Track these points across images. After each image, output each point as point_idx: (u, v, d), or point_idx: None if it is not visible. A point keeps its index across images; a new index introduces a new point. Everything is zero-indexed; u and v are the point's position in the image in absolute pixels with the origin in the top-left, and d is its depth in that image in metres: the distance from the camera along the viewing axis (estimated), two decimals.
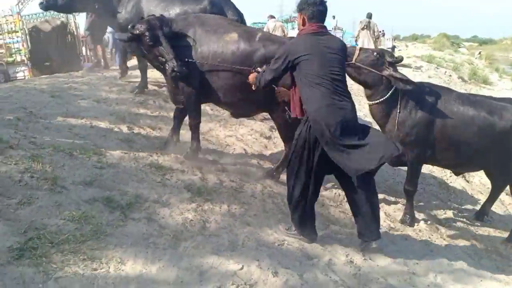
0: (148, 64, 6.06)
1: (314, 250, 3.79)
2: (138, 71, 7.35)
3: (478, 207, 5.96)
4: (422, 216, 5.36)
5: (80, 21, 12.67)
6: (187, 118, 5.40)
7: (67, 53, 11.04)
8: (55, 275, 2.68)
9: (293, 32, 15.27)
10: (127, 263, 2.99)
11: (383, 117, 4.89)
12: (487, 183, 6.15)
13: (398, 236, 4.54)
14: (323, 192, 5.30)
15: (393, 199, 5.66)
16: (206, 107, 6.53)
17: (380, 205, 5.33)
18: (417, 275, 3.82)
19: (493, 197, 5.59)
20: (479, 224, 5.51)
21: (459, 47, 36.59)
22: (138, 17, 6.49)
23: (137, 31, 4.77)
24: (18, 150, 4.08)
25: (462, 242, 4.92)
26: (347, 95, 3.75)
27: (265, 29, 14.18)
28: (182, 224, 3.73)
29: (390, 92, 4.67)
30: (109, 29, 10.06)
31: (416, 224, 5.02)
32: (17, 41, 11.72)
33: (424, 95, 4.80)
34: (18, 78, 11.15)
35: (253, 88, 4.25)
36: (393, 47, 24.13)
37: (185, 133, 5.65)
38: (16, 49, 11.71)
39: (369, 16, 15.01)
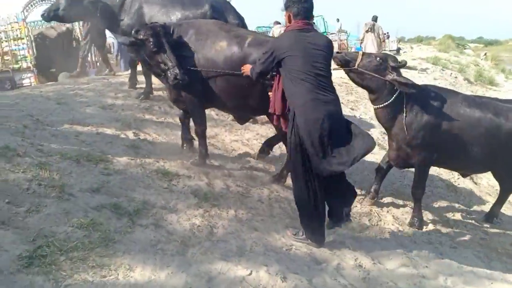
0: None
1: (322, 255, 3.77)
2: (143, 77, 7.36)
3: (486, 209, 5.91)
4: (431, 219, 5.33)
5: None
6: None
7: (72, 59, 11.05)
8: (65, 283, 2.69)
9: None
10: (136, 270, 3.00)
11: (388, 121, 4.88)
12: (496, 184, 6.11)
13: (407, 239, 4.52)
14: None
15: (401, 202, 5.63)
16: (211, 112, 6.54)
17: (388, 208, 5.34)
18: (427, 279, 3.80)
19: (502, 199, 5.56)
20: (488, 226, 5.47)
21: (465, 49, 36.40)
22: (140, 22, 6.54)
23: (141, 36, 4.75)
24: (25, 158, 4.09)
25: (471, 245, 4.89)
26: (332, 90, 3.83)
27: (270, 35, 14.22)
28: (189, 230, 3.73)
29: (394, 96, 4.65)
30: (108, 34, 10.10)
31: (424, 227, 5.00)
32: (23, 48, 11.75)
33: (430, 98, 4.78)
34: (24, 84, 11.17)
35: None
36: (398, 49, 24.07)
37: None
38: (22, 56, 11.74)
39: (374, 19, 14.98)
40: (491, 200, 6.27)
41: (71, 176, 4.06)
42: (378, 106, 4.80)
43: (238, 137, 6.56)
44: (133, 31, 4.86)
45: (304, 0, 3.85)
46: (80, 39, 12.37)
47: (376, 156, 6.81)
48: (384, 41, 15.51)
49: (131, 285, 2.84)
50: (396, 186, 6.15)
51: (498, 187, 5.74)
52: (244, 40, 4.77)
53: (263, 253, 3.55)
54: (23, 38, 11.68)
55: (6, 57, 11.82)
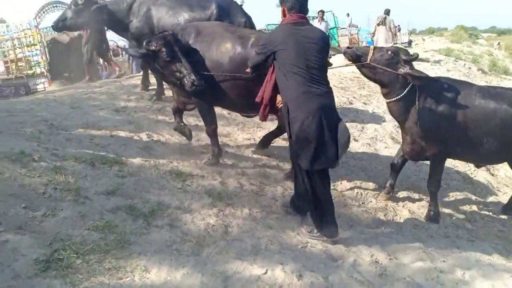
0: None
1: (338, 251, 3.75)
2: (154, 78, 7.39)
3: (504, 201, 5.83)
4: (447, 212, 5.27)
5: None
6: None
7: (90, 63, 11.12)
8: (82, 286, 2.71)
9: None
10: (152, 271, 3.01)
11: (401, 115, 4.83)
12: None
13: (423, 234, 4.47)
14: (345, 192, 5.27)
15: (416, 196, 5.57)
16: (223, 111, 6.53)
17: (404, 202, 5.30)
18: (445, 273, 3.76)
19: None
20: (506, 218, 5.39)
21: (477, 39, 35.88)
22: (148, 24, 6.57)
23: (154, 47, 4.68)
24: (40, 163, 4.13)
25: (489, 237, 4.83)
26: (325, 82, 3.84)
27: None
28: (204, 229, 3.74)
29: (407, 89, 4.61)
30: (119, 37, 10.17)
31: (441, 220, 4.94)
32: (36, 54, 11.92)
33: (443, 90, 4.73)
34: (38, 90, 11.31)
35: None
36: (410, 42, 23.86)
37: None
38: (35, 62, 11.90)
39: (387, 12, 14.85)
40: (509, 191, 6.19)
41: (86, 179, 4.10)
42: (390, 100, 4.75)
43: (250, 136, 6.56)
44: (144, 43, 4.80)
45: None
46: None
47: (391, 150, 6.78)
48: (395, 34, 15.35)
49: (147, 286, 2.86)
50: (412, 180, 6.09)
51: None
52: (247, 40, 4.77)
53: (279, 251, 3.55)
54: (36, 44, 11.85)
55: (20, 64, 11.99)
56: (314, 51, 3.79)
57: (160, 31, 5.04)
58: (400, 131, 5.58)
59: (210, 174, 4.92)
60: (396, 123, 5.65)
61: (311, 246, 3.75)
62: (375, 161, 6.39)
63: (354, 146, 7.01)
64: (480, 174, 6.68)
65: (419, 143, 4.85)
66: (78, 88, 8.30)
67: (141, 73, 8.09)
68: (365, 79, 5.16)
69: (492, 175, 6.91)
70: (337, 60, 10.51)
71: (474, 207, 5.57)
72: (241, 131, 6.64)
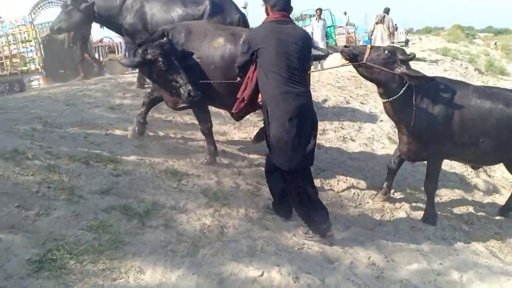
0: None
1: (335, 253, 3.72)
2: None
3: (501, 202, 5.83)
4: (444, 214, 5.26)
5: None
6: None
7: (82, 60, 11.04)
8: (75, 287, 2.66)
9: None
10: (147, 272, 2.98)
11: (398, 114, 4.81)
12: (510, 177, 6.02)
13: (420, 236, 4.45)
14: (341, 193, 5.25)
15: (413, 197, 5.56)
16: (220, 110, 6.49)
17: (401, 203, 5.28)
18: (442, 275, 3.74)
19: None
20: (503, 220, 5.37)
21: (474, 38, 35.98)
22: (142, 21, 6.53)
23: (150, 57, 4.59)
24: (34, 161, 4.08)
25: (486, 240, 4.81)
26: (304, 82, 3.82)
27: None
28: (200, 230, 3.70)
29: (403, 89, 4.57)
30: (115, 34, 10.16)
31: (438, 222, 4.92)
32: (31, 50, 11.78)
33: (440, 90, 4.72)
34: (33, 86, 11.22)
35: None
36: (407, 41, 23.89)
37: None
38: (30, 58, 11.78)
39: (386, 10, 14.88)
40: (506, 193, 6.18)
41: (81, 178, 4.05)
42: (387, 99, 4.73)
43: (247, 135, 6.53)
44: (140, 51, 4.69)
45: None
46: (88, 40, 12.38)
47: (388, 150, 6.76)
48: (393, 33, 15.36)
49: (141, 287, 2.81)
50: (409, 181, 6.07)
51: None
52: (239, 38, 4.74)
53: (275, 252, 3.51)
54: (31, 41, 11.71)
55: (14, 60, 11.86)
56: (295, 50, 3.76)
57: (153, 29, 4.98)
58: (397, 131, 5.56)
59: (206, 173, 4.88)
60: (393, 123, 5.62)
61: (308, 248, 3.72)
62: (372, 162, 6.37)
63: (351, 146, 7.00)
64: (477, 176, 6.68)
65: (415, 143, 4.83)
66: (73, 85, 8.23)
67: (137, 70, 8.04)
68: (362, 79, 5.12)
69: (489, 176, 6.92)
70: (334, 59, 10.49)
71: (471, 209, 5.56)
72: (238, 130, 6.61)
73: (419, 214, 5.07)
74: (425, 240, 4.39)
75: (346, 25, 23.94)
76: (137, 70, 8.19)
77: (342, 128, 7.72)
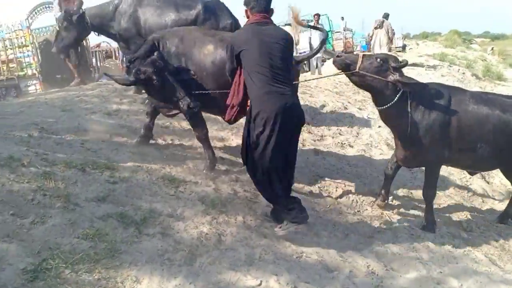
0: None
1: (334, 262, 3.68)
2: None
3: (500, 209, 5.80)
4: (443, 221, 5.23)
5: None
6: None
7: (77, 65, 11.02)
8: None
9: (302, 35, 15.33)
10: (143, 282, 2.94)
11: (393, 121, 4.83)
12: (508, 184, 5.99)
13: (420, 243, 4.40)
14: (340, 199, 5.22)
15: (412, 204, 5.54)
16: (217, 117, 6.46)
17: (400, 210, 5.25)
18: (441, 284, 3.69)
19: None
20: (502, 227, 5.34)
21: (471, 44, 36.11)
22: (135, 26, 6.52)
23: (144, 75, 4.60)
24: (30, 168, 4.04)
25: (485, 247, 4.78)
26: (289, 82, 3.86)
27: None
28: (197, 238, 3.66)
29: (397, 96, 4.57)
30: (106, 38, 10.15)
31: (437, 229, 4.89)
32: (28, 55, 11.77)
33: (436, 96, 4.72)
34: (30, 91, 11.19)
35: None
36: (404, 46, 23.92)
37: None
38: (27, 63, 11.76)
39: (385, 16, 14.93)
40: (504, 199, 6.15)
41: (77, 185, 4.01)
42: (382, 107, 4.72)
43: None
44: (133, 71, 4.67)
45: None
46: (85, 45, 12.35)
47: (386, 156, 6.74)
48: (392, 39, 15.38)
49: None
50: (407, 187, 6.04)
51: (510, 187, 5.63)
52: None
53: (273, 261, 3.47)
54: (28, 45, 11.70)
55: (11, 65, 11.84)
56: (278, 50, 3.81)
57: (147, 33, 4.98)
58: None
59: (204, 180, 4.84)
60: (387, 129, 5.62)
61: (306, 257, 3.68)
62: (370, 168, 6.35)
63: (349, 152, 6.98)
64: (476, 182, 6.66)
65: (412, 149, 4.82)
66: (69, 91, 8.20)
67: None
68: None
69: (488, 183, 6.90)
70: (331, 65, 10.48)
71: (470, 216, 5.53)
72: (236, 136, 6.57)
73: (418, 221, 5.04)
74: (425, 248, 4.35)
75: (344, 31, 23.97)
76: None
77: (340, 134, 7.70)
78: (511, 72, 22.10)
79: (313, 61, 14.91)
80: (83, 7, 7.46)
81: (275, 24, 4.07)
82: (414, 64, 15.78)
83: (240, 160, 5.71)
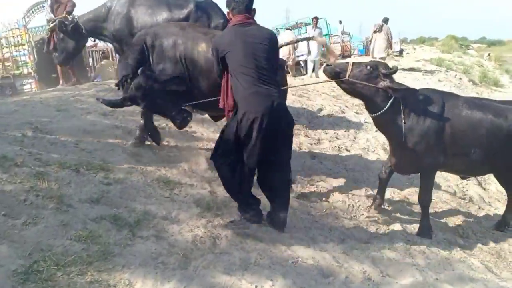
0: None
1: (329, 267, 3.63)
2: None
3: (496, 215, 5.78)
4: (439, 227, 5.20)
5: None
6: None
7: (74, 64, 10.97)
8: None
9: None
10: (136, 285, 2.89)
11: (387, 128, 4.84)
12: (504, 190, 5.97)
13: (416, 249, 4.37)
14: (336, 204, 5.18)
15: (409, 209, 5.51)
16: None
17: (396, 215, 5.24)
18: None
19: (511, 206, 5.41)
20: (498, 234, 5.31)
21: (468, 49, 36.25)
22: (128, 26, 6.51)
23: (131, 103, 4.72)
24: (23, 168, 3.99)
25: (481, 254, 4.76)
26: (274, 83, 3.83)
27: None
28: (192, 241, 3.62)
29: (389, 102, 4.57)
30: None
31: (433, 235, 4.86)
32: (24, 53, 11.71)
33: (429, 102, 4.72)
34: (25, 90, 11.12)
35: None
36: (401, 51, 23.95)
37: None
38: (23, 62, 11.70)
39: (384, 20, 14.96)
40: (500, 206, 6.13)
41: (70, 186, 3.96)
42: (374, 114, 4.72)
43: None
44: (122, 98, 4.76)
45: None
46: None
47: (383, 161, 6.69)
48: (391, 43, 15.38)
49: None
50: (404, 193, 6.01)
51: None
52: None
53: (268, 266, 3.42)
54: (24, 44, 11.64)
55: (7, 63, 11.78)
56: (261, 51, 3.79)
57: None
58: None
59: (199, 182, 4.80)
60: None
61: (302, 262, 3.63)
62: (367, 172, 6.32)
63: (346, 156, 6.95)
64: (472, 188, 6.64)
65: (407, 156, 4.81)
66: (65, 90, 8.14)
67: None
68: None
69: (484, 189, 6.88)
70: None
71: (466, 222, 5.50)
72: None
73: (415, 227, 5.00)
74: (421, 254, 4.32)
75: (342, 34, 24.01)
76: None
77: (337, 138, 7.68)
78: (507, 78, 22.22)
79: (311, 64, 14.93)
80: (75, 13, 7.58)
81: (258, 24, 4.05)
82: (411, 69, 15.83)
83: None
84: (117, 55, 12.90)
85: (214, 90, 4.55)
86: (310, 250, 3.87)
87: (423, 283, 3.67)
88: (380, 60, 4.95)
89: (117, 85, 4.87)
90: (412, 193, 5.93)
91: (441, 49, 28.60)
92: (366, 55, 20.83)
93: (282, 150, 3.94)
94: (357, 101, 9.81)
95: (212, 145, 5.76)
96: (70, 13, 8.01)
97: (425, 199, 4.92)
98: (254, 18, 4.02)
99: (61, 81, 10.21)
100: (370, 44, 15.15)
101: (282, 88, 4.44)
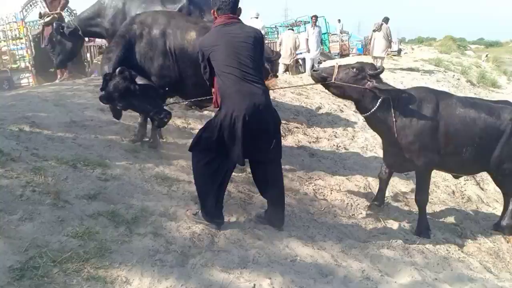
0: None
1: (328, 266, 3.61)
2: None
3: (494, 215, 5.76)
4: (438, 226, 5.17)
5: None
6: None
7: (73, 61, 10.91)
8: None
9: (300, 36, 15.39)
10: (133, 283, 2.87)
11: (379, 127, 4.84)
12: None
13: (415, 249, 4.35)
14: (334, 203, 5.16)
15: (408, 208, 5.48)
16: (211, 114, 6.39)
17: (395, 215, 5.22)
18: None
19: (508, 206, 5.40)
20: (496, 234, 5.29)
21: (466, 50, 36.36)
22: (121, 21, 6.51)
23: (107, 102, 4.75)
24: (19, 163, 3.97)
25: (480, 254, 4.74)
26: (259, 81, 3.81)
27: (279, 41, 15.01)
28: (189, 239, 3.59)
29: (378, 102, 4.57)
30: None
31: (432, 235, 4.84)
32: (21, 47, 11.66)
33: (422, 101, 4.71)
34: (22, 84, 11.07)
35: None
36: (399, 50, 23.99)
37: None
38: (20, 56, 11.65)
39: (385, 20, 14.97)
40: (498, 206, 6.12)
41: (67, 181, 3.94)
42: (365, 114, 4.73)
43: None
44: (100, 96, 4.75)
45: None
46: None
47: (380, 160, 6.67)
48: (390, 43, 15.38)
49: None
50: (403, 192, 5.99)
51: None
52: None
53: (267, 264, 3.40)
54: (21, 38, 11.59)
55: (4, 57, 11.74)
56: (245, 49, 3.77)
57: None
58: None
59: None
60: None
61: (300, 260, 3.61)
62: (366, 171, 6.29)
63: (344, 155, 6.93)
64: (470, 188, 6.62)
65: (399, 155, 4.81)
66: (62, 85, 8.09)
67: None
68: None
69: (482, 189, 6.86)
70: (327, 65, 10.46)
71: (465, 222, 5.47)
72: None
73: (413, 226, 4.97)
74: (419, 254, 4.30)
75: (340, 33, 24.00)
76: None
77: (336, 137, 7.66)
78: (505, 79, 22.28)
79: (309, 62, 14.92)
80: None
81: (242, 23, 4.03)
82: (409, 69, 15.84)
83: None
84: None
85: (205, 81, 4.56)
86: (308, 248, 3.86)
87: (422, 283, 3.66)
88: (367, 61, 4.96)
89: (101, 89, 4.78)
90: (411, 192, 5.91)
91: (439, 50, 28.65)
92: (364, 54, 20.84)
93: (269, 148, 3.90)
94: None
95: None
96: (63, 9, 7.94)
97: (421, 198, 4.90)
98: (239, 17, 4.00)
99: (58, 76, 10.15)
100: (370, 43, 15.14)
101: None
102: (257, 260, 3.45)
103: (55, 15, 9.17)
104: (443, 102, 4.76)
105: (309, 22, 17.07)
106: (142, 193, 4.17)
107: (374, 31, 14.72)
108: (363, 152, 7.21)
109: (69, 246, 3.03)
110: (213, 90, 4.00)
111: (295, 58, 14.81)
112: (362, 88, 4.55)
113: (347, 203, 5.19)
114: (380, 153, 7.08)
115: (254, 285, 3.08)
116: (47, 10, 9.32)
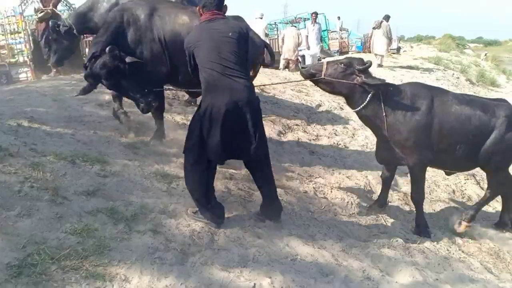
0: None
1: (329, 265, 3.59)
2: None
3: (494, 215, 5.74)
4: (438, 226, 5.15)
5: None
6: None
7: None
8: None
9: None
10: (132, 281, 2.84)
11: (370, 122, 4.83)
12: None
13: (415, 249, 4.33)
14: (335, 201, 5.13)
15: (408, 208, 5.45)
16: None
17: (395, 214, 5.19)
18: None
19: (506, 205, 5.38)
20: (496, 234, 5.27)
21: (465, 49, 36.36)
22: None
23: (93, 80, 4.72)
24: (17, 158, 3.93)
25: (480, 254, 4.72)
26: (241, 76, 3.79)
27: (281, 37, 15.19)
28: (189, 237, 3.56)
29: (369, 97, 4.56)
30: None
31: (432, 234, 4.82)
32: (20, 42, 11.58)
33: (415, 96, 4.69)
34: (20, 79, 11.01)
35: None
36: (398, 48, 23.92)
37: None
38: (18, 50, 11.57)
39: (385, 17, 14.97)
40: (498, 206, 6.09)
41: (66, 177, 3.90)
42: (355, 109, 4.73)
43: None
44: (85, 74, 4.74)
45: None
46: None
47: None
48: (391, 40, 15.36)
49: None
50: (404, 190, 5.96)
51: None
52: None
53: (267, 263, 3.37)
54: (20, 32, 11.51)
55: (2, 51, 11.65)
56: (228, 45, 3.77)
57: None
58: None
59: None
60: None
61: (301, 259, 3.58)
62: (366, 170, 6.27)
63: (344, 153, 6.90)
64: (470, 188, 6.59)
65: (390, 149, 4.79)
66: (61, 80, 8.05)
67: None
68: None
69: (482, 189, 6.83)
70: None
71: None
72: None
73: (413, 226, 4.95)
74: (420, 253, 4.28)
75: (340, 30, 23.96)
76: None
77: (336, 135, 7.63)
78: (504, 78, 22.27)
79: (309, 59, 14.90)
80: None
81: (226, 18, 4.03)
82: (409, 67, 15.82)
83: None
84: None
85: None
86: (309, 247, 3.83)
87: (423, 283, 3.64)
88: (356, 56, 4.98)
89: (84, 65, 4.73)
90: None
91: (438, 48, 28.63)
92: (364, 52, 20.81)
93: (251, 146, 3.83)
94: None
95: None
96: (56, 5, 7.87)
97: (416, 196, 4.88)
98: (224, 14, 4.01)
99: (53, 70, 10.08)
100: (369, 41, 15.14)
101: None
102: (257, 259, 3.42)
103: (49, 11, 9.09)
104: (438, 98, 4.73)
105: (308, 19, 17.05)
106: (142, 190, 4.14)
107: (374, 28, 14.71)
108: (364, 150, 7.19)
109: (68, 243, 3.00)
110: None
111: (297, 56, 14.82)
112: (351, 83, 4.56)
113: (348, 202, 5.16)
114: None
115: (254, 284, 3.05)
116: (41, 5, 9.25)
